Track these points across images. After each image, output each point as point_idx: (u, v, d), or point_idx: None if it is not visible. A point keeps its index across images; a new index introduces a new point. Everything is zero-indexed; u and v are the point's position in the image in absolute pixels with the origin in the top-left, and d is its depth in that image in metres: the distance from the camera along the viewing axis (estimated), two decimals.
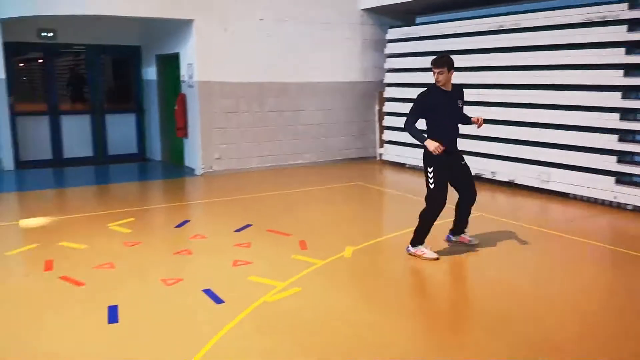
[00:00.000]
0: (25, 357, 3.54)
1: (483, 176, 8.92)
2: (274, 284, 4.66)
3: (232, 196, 8.09)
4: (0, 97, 9.74)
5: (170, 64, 10.49)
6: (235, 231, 6.20)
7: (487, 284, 4.86)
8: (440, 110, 5.17)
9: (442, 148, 4.97)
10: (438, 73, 5.08)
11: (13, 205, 8.02)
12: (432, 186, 5.18)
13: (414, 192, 8.35)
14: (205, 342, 3.67)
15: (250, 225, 6.44)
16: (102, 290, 4.58)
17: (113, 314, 4.10)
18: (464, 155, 5.49)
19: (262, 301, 4.34)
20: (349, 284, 4.81)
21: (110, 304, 4.25)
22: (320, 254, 5.42)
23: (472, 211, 5.62)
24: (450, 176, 5.23)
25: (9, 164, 9.94)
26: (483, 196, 8.24)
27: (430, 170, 5.17)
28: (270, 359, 3.53)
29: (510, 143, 8.56)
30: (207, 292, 4.50)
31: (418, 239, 5.31)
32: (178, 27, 9.73)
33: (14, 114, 10.11)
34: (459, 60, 9.00)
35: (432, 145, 4.99)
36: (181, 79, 9.99)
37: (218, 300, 4.36)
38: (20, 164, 10.16)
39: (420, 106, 5.21)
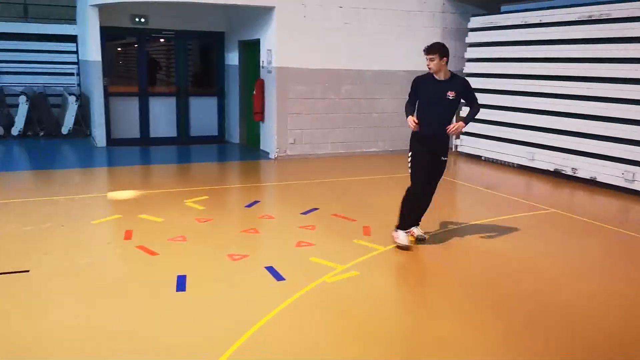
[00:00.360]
0: (99, 315, 3.87)
1: (563, 172, 8.57)
2: (334, 266, 4.77)
3: (303, 180, 8.28)
4: (96, 78, 10.48)
5: (251, 50, 10.81)
6: (301, 214, 6.37)
7: (557, 285, 4.72)
8: (424, 97, 5.19)
9: (415, 123, 5.08)
10: (429, 60, 5.06)
11: (102, 178, 8.65)
12: (410, 171, 5.30)
13: (488, 184, 8.20)
14: (263, 315, 3.85)
15: (317, 209, 6.59)
16: (173, 260, 4.89)
17: (181, 283, 4.38)
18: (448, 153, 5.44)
19: (320, 281, 4.47)
20: (407, 271, 4.84)
21: (180, 274, 4.53)
22: (382, 241, 5.47)
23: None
24: (428, 165, 5.24)
25: (101, 141, 10.68)
26: (561, 193, 7.98)
27: (409, 155, 5.31)
28: (321, 337, 3.65)
29: (593, 139, 8.15)
30: (270, 269, 4.69)
31: (400, 223, 5.34)
32: (260, 14, 9.99)
33: (107, 95, 10.84)
34: (543, 51, 8.81)
35: (410, 120, 5.13)
36: (260, 64, 10.28)
37: (279, 277, 4.53)
38: (111, 141, 10.89)
39: (411, 89, 5.30)
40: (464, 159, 10.38)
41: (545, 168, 8.90)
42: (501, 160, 9.78)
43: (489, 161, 10.04)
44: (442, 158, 5.30)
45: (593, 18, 8.13)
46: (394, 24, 10.38)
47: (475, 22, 10.35)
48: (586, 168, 8.26)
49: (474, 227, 6.23)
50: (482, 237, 5.89)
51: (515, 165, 9.53)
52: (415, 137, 5.27)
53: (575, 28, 8.40)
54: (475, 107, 5.31)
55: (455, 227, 6.18)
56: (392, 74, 10.54)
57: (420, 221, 5.58)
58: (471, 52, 10.42)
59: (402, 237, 5.29)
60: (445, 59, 5.05)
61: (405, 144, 10.66)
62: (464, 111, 10.54)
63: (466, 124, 5.29)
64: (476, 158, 10.30)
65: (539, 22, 8.95)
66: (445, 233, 5.93)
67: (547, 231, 6.15)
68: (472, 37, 10.40)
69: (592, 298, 4.36)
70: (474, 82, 10.21)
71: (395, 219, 5.41)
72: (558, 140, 8.66)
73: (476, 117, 5.39)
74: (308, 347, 3.51)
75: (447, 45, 5.21)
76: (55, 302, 4.06)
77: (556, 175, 8.72)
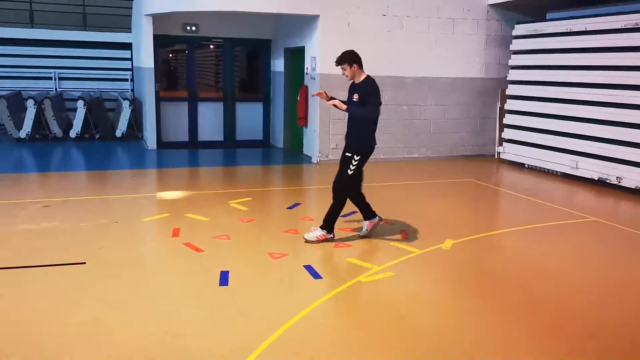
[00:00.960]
0: (147, 304, 4.17)
1: (607, 181, 8.46)
2: (370, 267, 4.95)
3: None
4: (149, 84, 10.99)
5: (296, 57, 11.11)
6: (341, 216, 6.52)
7: (596, 294, 4.75)
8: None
9: (319, 93, 5.60)
10: (342, 70, 5.39)
11: (153, 179, 9.09)
12: (350, 173, 5.47)
13: (529, 192, 8.19)
14: (300, 310, 4.05)
15: (356, 212, 6.74)
16: (217, 257, 5.16)
17: (224, 278, 4.64)
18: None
19: (356, 280, 4.65)
20: (441, 274, 4.95)
21: (223, 270, 4.79)
22: (419, 244, 5.60)
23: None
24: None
25: (152, 143, 11.18)
26: (605, 202, 7.88)
27: (356, 158, 5.46)
28: (355, 334, 3.83)
29: (639, 147, 8.02)
30: (308, 267, 4.90)
31: (327, 225, 5.57)
32: (305, 22, 10.27)
33: (159, 100, 11.34)
34: (587, 59, 8.73)
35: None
36: (305, 71, 10.55)
37: (316, 275, 4.74)
38: (161, 144, 11.38)
39: None
40: (507, 166, 10.34)
41: (589, 176, 8.80)
42: (544, 168, 9.71)
43: (532, 169, 9.98)
44: (346, 154, 5.56)
45: (638, 26, 8.01)
46: (437, 32, 10.47)
47: (519, 29, 10.32)
48: (631, 177, 8.13)
49: (512, 232, 6.28)
50: (519, 242, 5.94)
51: (558, 173, 9.44)
52: None
53: (620, 36, 8.29)
54: (363, 107, 5.38)
55: (493, 232, 6.24)
56: (434, 80, 10.62)
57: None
58: (515, 60, 10.39)
59: (325, 234, 5.57)
60: (355, 65, 5.33)
61: (447, 151, 10.85)
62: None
63: (342, 108, 5.38)
64: (519, 165, 10.25)
65: (584, 29, 8.87)
66: (483, 238, 6.00)
67: (586, 239, 6.13)
68: (516, 45, 10.37)
69: (627, 305, 4.37)
70: (518, 90, 10.32)
71: (433, 223, 5.53)
72: (602, 149, 8.55)
73: (364, 115, 5.43)
74: (341, 341, 3.69)
75: (356, 52, 5.43)
76: (108, 292, 4.38)
77: (600, 184, 8.61)
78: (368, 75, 5.47)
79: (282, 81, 11.73)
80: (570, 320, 4.07)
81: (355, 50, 5.43)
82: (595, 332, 3.89)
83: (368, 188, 8.13)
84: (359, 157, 5.47)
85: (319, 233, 5.56)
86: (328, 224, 5.57)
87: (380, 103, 5.47)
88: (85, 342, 3.58)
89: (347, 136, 5.64)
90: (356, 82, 5.46)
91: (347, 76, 5.42)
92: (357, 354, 3.52)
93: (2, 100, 11.72)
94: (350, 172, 5.47)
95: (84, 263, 4.91)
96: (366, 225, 5.80)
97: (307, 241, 5.55)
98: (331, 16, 9.87)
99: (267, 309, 4.11)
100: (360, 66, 5.39)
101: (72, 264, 4.89)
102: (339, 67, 5.38)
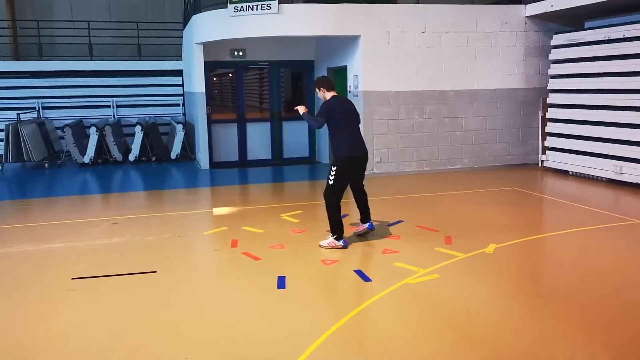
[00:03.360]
0: (213, 306, 4.62)
1: None
2: (416, 270, 5.26)
3: (389, 196, 8.80)
4: (200, 108, 11.66)
5: (339, 76, 11.57)
6: (387, 225, 6.90)
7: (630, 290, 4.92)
8: None
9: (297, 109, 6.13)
10: (316, 93, 6.23)
11: (208, 197, 9.66)
12: (330, 183, 5.93)
13: (572, 198, 8.32)
14: (352, 309, 4.42)
15: (402, 221, 7.09)
16: (273, 264, 5.58)
17: (281, 282, 5.05)
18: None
19: (403, 283, 4.97)
20: (486, 276, 5.20)
21: (280, 275, 5.21)
22: (463, 249, 5.87)
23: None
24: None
25: (205, 164, 11.81)
26: None
27: (333, 169, 5.92)
28: (402, 330, 4.15)
29: None
30: (358, 272, 5.26)
31: (332, 231, 5.99)
32: (347, 43, 10.73)
33: (210, 122, 12.00)
34: (627, 65, 8.82)
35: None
36: (348, 89, 10.99)
37: (366, 278, 5.10)
38: (213, 164, 12.01)
39: None
40: (551, 174, 10.44)
41: (634, 181, 8.83)
42: (589, 175, 9.77)
43: (576, 176, 10.05)
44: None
45: None
46: (475, 45, 10.74)
47: (558, 39, 10.47)
48: None
49: (555, 236, 6.47)
50: (562, 245, 6.13)
51: (603, 179, 9.49)
52: None
53: None
54: (313, 118, 6.10)
55: (536, 236, 6.44)
56: (474, 92, 10.87)
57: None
58: (555, 69, 10.53)
59: (334, 241, 5.98)
60: (322, 88, 6.12)
61: (491, 161, 11.04)
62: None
63: (300, 112, 6.09)
64: (564, 173, 10.32)
65: (623, 37, 8.98)
66: (527, 242, 6.21)
67: (628, 242, 6.25)
68: (555, 54, 10.52)
69: None
70: (559, 98, 10.43)
71: (477, 229, 5.78)
72: None
73: (311, 124, 6.30)
74: (390, 338, 4.02)
75: (326, 76, 6.45)
76: (177, 296, 4.86)
77: None
78: (333, 96, 6.10)
79: None
80: (628, 317, 4.27)
81: (325, 76, 6.46)
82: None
83: (412, 198, 8.44)
84: (335, 168, 5.91)
85: (330, 240, 6.01)
86: (333, 230, 5.98)
87: (326, 119, 5.96)
88: (163, 339, 4.05)
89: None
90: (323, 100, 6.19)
91: (320, 97, 6.19)
92: (409, 350, 3.84)
93: (68, 128, 12.64)
94: (330, 182, 5.92)
95: (155, 272, 5.42)
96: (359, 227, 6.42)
97: (321, 246, 6.02)
98: (372, 36, 10.29)
99: (321, 309, 4.50)
100: (327, 88, 6.12)
101: (144, 272, 5.41)
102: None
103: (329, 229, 6.05)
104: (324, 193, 6.07)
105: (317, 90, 6.18)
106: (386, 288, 4.84)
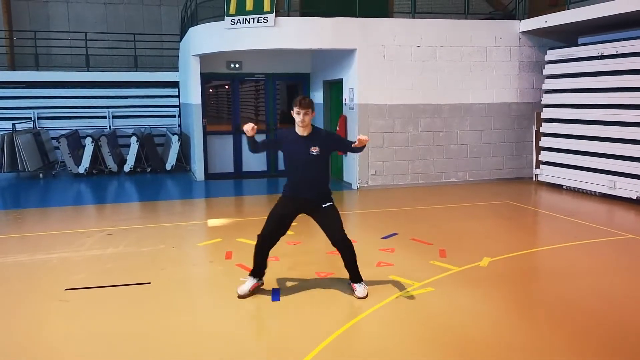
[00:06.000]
0: (207, 318, 4.61)
1: None
2: (410, 283, 5.27)
3: (384, 208, 8.82)
4: (196, 119, 11.69)
5: (334, 89, 11.64)
6: (382, 238, 6.91)
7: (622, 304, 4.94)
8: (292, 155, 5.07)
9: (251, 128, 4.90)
10: (305, 114, 4.82)
11: (202, 208, 9.65)
12: (271, 210, 5.14)
13: (566, 212, 8.36)
14: (346, 322, 4.43)
15: (396, 234, 7.10)
16: (268, 276, 5.54)
17: (276, 294, 5.05)
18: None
19: (398, 295, 4.98)
20: (480, 290, 5.22)
21: (274, 287, 5.20)
22: (457, 262, 5.89)
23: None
24: (284, 217, 5.11)
25: (200, 175, 11.81)
26: None
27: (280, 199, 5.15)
28: (398, 344, 4.15)
29: None
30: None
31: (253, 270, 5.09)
32: (343, 56, 10.81)
33: (205, 134, 12.01)
34: (620, 81, 8.92)
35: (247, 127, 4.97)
36: (343, 102, 11.05)
37: None
38: (208, 175, 12.01)
39: (276, 137, 5.38)
40: (545, 188, 10.49)
41: (627, 196, 8.89)
42: (583, 189, 9.83)
43: (570, 190, 10.11)
44: (323, 205, 5.07)
45: None
46: (470, 60, 10.83)
47: (552, 54, 10.59)
48: None
49: (548, 250, 6.50)
50: (556, 259, 6.16)
51: (597, 193, 9.55)
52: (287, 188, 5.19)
53: None
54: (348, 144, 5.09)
55: (530, 250, 6.47)
56: (469, 106, 10.94)
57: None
58: (549, 84, 10.63)
59: (246, 283, 5.04)
60: (314, 113, 4.91)
61: (485, 175, 11.09)
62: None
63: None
64: (557, 187, 10.38)
65: (616, 53, 9.09)
66: (520, 255, 6.23)
67: (622, 256, 6.29)
68: (549, 69, 10.63)
69: None
70: (553, 113, 10.53)
71: (471, 242, 5.81)
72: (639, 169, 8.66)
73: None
74: (384, 351, 4.02)
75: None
76: (171, 308, 4.85)
77: (639, 203, 8.69)
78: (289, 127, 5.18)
79: (322, 112, 12.25)
80: (623, 330, 4.29)
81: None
82: None
83: (407, 211, 8.47)
84: (279, 199, 5.20)
85: (250, 284, 5.03)
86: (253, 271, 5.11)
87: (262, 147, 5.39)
88: (157, 351, 4.03)
89: (313, 196, 5.20)
90: (304, 133, 5.03)
91: (304, 122, 4.91)
92: None
93: (63, 138, 12.63)
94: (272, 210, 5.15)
95: (149, 283, 5.40)
96: (249, 282, 5.06)
97: (240, 296, 4.95)
98: (367, 49, 10.37)
99: (315, 322, 4.49)
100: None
101: (138, 283, 5.39)
102: (302, 110, 4.85)
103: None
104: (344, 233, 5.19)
105: (310, 112, 4.88)
106: (381, 301, 4.84)
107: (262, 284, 5.19)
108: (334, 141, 5.31)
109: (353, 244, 5.10)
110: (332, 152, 5.24)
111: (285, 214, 5.13)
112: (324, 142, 4.99)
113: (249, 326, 4.42)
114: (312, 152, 4.90)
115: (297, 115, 4.86)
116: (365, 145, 4.92)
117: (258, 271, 5.12)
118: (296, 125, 4.96)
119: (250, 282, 5.06)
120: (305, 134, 4.95)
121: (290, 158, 5.11)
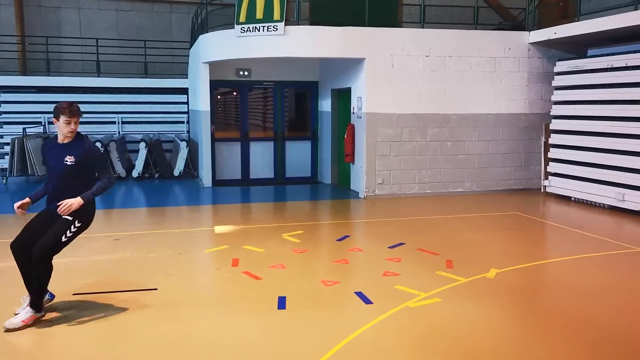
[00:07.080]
0: (210, 328, 4.61)
1: None
2: (417, 293, 5.25)
3: (391, 218, 8.81)
4: (205, 126, 11.74)
5: (343, 97, 11.66)
6: (388, 247, 6.90)
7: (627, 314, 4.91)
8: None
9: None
10: (75, 123, 4.59)
11: (210, 215, 9.68)
12: (64, 239, 4.59)
13: (574, 224, 8.31)
14: (352, 332, 4.41)
15: (403, 243, 7.09)
16: (274, 284, 5.58)
17: (282, 302, 5.04)
18: None
19: (404, 306, 4.96)
20: (487, 301, 5.19)
21: (280, 295, 5.20)
22: (464, 273, 5.87)
23: None
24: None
25: (207, 181, 11.85)
26: None
27: (77, 224, 4.65)
28: (404, 355, 4.14)
29: None
30: (359, 294, 5.25)
31: (36, 300, 4.56)
32: (351, 65, 10.84)
33: (213, 140, 12.07)
34: (629, 93, 8.89)
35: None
36: (351, 110, 11.07)
37: (367, 301, 5.09)
38: (216, 182, 12.04)
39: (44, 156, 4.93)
40: (553, 200, 10.44)
41: (636, 209, 8.83)
42: (591, 201, 9.78)
43: (578, 202, 10.05)
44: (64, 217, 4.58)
45: None
46: (479, 70, 10.83)
47: (561, 66, 10.57)
48: None
49: (556, 263, 6.46)
50: (564, 271, 6.12)
51: (605, 206, 9.49)
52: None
53: None
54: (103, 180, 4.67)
55: (538, 262, 6.43)
56: (477, 117, 10.93)
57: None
58: (558, 95, 10.61)
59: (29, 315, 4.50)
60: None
61: (493, 185, 11.05)
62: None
63: (84, 200, 4.54)
64: (566, 199, 10.33)
65: (625, 65, 9.07)
66: (528, 268, 6.21)
67: (631, 269, 6.24)
68: (558, 81, 10.61)
69: None
70: (562, 124, 10.50)
71: (478, 253, 5.78)
72: None
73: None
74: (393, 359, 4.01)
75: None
76: (177, 314, 4.85)
77: None
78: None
79: (330, 120, 12.28)
80: (631, 343, 4.26)
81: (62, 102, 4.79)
82: None
83: (414, 220, 8.46)
84: (80, 225, 4.74)
85: (28, 313, 4.52)
86: (37, 300, 4.59)
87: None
88: (163, 358, 4.03)
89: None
90: (64, 141, 4.74)
91: (72, 132, 4.69)
92: None
93: None
94: (63, 239, 4.63)
95: (156, 289, 5.41)
96: (27, 313, 4.53)
97: (7, 330, 4.42)
98: (376, 58, 10.39)
99: (321, 331, 4.48)
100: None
101: (145, 289, 5.40)
102: (72, 119, 4.63)
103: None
104: (43, 252, 4.50)
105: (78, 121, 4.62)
106: (387, 311, 4.83)
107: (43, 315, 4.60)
108: (92, 158, 4.73)
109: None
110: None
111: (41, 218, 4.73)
112: (82, 153, 4.60)
113: (254, 335, 4.41)
114: (67, 161, 4.54)
115: (69, 124, 4.56)
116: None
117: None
118: (59, 133, 4.62)
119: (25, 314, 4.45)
120: (66, 142, 4.62)
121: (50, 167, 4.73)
